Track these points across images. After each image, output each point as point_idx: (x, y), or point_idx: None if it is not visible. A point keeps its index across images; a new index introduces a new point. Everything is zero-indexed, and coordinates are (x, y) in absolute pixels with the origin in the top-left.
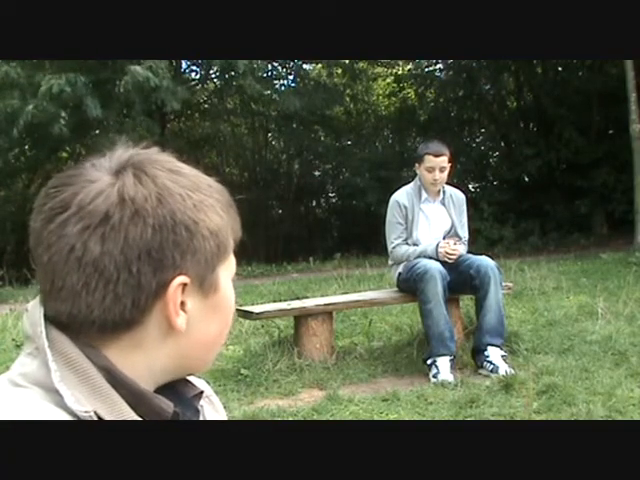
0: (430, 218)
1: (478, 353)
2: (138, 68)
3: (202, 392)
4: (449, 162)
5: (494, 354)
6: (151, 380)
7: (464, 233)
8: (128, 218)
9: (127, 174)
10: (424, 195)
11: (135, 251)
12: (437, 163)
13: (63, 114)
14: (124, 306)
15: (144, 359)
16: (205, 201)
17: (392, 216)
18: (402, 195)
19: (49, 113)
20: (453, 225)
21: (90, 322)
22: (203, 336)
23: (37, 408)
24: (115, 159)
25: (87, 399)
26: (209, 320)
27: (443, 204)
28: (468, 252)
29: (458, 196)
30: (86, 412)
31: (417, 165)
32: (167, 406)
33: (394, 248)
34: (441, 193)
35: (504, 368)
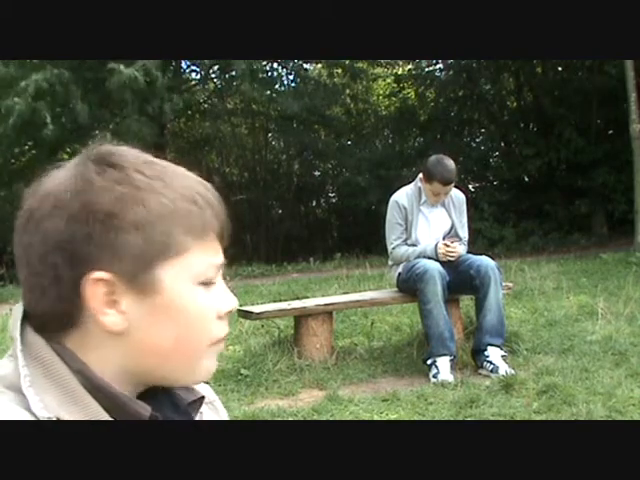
0: (430, 219)
1: (478, 353)
2: (122, 67)
3: (203, 397)
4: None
5: (494, 354)
6: (119, 383)
7: (464, 233)
8: (48, 211)
9: (62, 169)
10: (424, 197)
11: (50, 244)
12: (444, 190)
13: (48, 119)
14: (52, 300)
15: (96, 360)
16: (136, 195)
17: (392, 217)
18: (402, 196)
19: (36, 113)
20: (453, 226)
21: (37, 317)
22: (154, 342)
23: (5, 412)
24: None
25: (60, 403)
26: (157, 324)
27: (443, 205)
28: (468, 252)
29: (458, 197)
30: (48, 418)
31: (422, 177)
32: (144, 410)
33: (394, 249)
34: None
35: (504, 368)
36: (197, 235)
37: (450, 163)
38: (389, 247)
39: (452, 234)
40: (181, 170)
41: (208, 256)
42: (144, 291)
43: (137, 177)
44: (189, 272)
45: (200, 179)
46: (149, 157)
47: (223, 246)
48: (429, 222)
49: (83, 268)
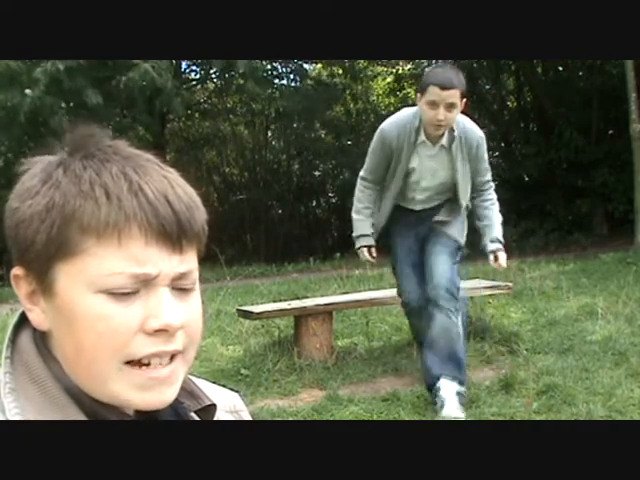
0: (425, 167)
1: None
2: (147, 65)
3: (212, 405)
4: (462, 98)
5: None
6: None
7: (486, 178)
8: None
9: None
10: (421, 137)
11: None
12: (443, 98)
13: (63, 105)
14: None
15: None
16: (34, 189)
17: (372, 147)
18: (392, 129)
19: (48, 104)
20: (455, 180)
21: None
22: (62, 348)
23: None
24: None
25: (41, 410)
26: (60, 329)
27: (449, 148)
28: (459, 244)
29: (471, 136)
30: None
31: (419, 96)
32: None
33: (358, 186)
34: (445, 134)
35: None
36: (98, 235)
37: (449, 68)
38: (359, 176)
39: (450, 188)
40: (116, 159)
41: (116, 262)
42: (48, 291)
43: (57, 170)
44: (83, 275)
45: (136, 172)
46: (113, 147)
47: (189, 252)
48: (422, 171)
49: (14, 264)
